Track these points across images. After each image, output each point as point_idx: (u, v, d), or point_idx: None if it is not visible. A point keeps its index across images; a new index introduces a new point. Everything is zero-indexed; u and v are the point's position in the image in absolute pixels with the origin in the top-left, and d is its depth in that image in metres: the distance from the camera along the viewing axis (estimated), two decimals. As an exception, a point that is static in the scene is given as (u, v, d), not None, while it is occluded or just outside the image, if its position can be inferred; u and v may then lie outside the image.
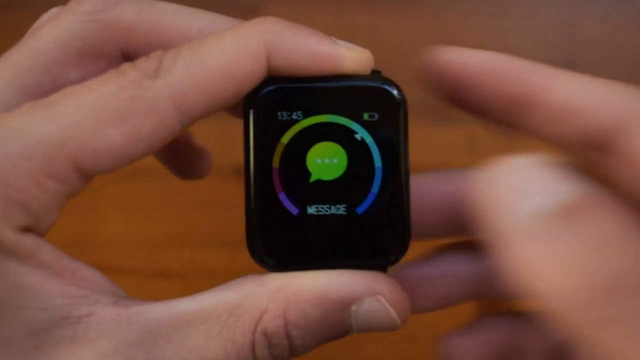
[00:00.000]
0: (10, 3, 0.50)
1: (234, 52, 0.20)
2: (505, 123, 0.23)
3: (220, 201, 0.48)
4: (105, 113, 0.19)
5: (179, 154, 0.29)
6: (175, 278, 0.49)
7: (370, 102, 0.21)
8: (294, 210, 0.22)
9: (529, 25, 0.49)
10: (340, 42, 0.21)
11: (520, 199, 0.16)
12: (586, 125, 0.20)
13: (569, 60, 0.48)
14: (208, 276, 0.49)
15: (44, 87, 0.22)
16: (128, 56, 0.23)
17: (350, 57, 0.21)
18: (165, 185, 0.49)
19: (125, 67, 0.20)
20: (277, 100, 0.21)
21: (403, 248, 0.21)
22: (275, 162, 0.22)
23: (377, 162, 0.21)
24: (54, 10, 0.24)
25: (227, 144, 0.47)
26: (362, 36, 0.48)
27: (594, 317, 0.15)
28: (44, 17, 0.24)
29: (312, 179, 0.22)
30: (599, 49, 0.49)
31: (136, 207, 0.49)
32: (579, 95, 0.21)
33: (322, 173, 0.22)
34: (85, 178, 0.20)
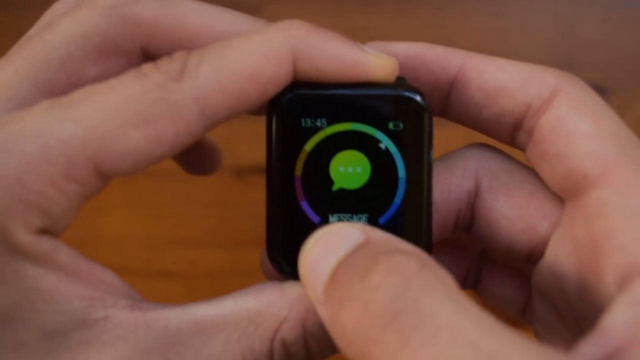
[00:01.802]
0: (10, 3, 0.50)
1: (260, 56, 0.20)
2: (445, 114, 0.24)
3: (221, 201, 0.48)
4: (128, 116, 0.19)
5: (190, 149, 0.29)
6: (176, 278, 0.49)
7: (395, 111, 0.21)
8: (316, 219, 0.21)
9: (529, 25, 0.49)
10: (366, 48, 0.21)
11: (317, 268, 0.18)
12: (514, 104, 0.22)
13: (569, 60, 0.48)
14: (209, 276, 0.49)
15: (60, 83, 0.21)
16: (148, 53, 0.22)
17: (377, 65, 0.21)
18: (166, 185, 0.49)
19: (148, 68, 0.20)
20: (301, 107, 0.21)
21: None
22: (298, 170, 0.21)
23: (401, 172, 0.21)
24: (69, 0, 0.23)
25: (228, 145, 0.47)
26: (361, 37, 0.48)
27: (364, 342, 0.16)
28: (58, 7, 0.23)
29: (335, 187, 0.21)
30: (599, 49, 0.49)
31: (137, 207, 0.49)
32: (506, 75, 0.22)
33: (345, 182, 0.21)
34: (104, 180, 0.19)
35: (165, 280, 0.48)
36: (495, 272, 0.26)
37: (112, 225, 0.49)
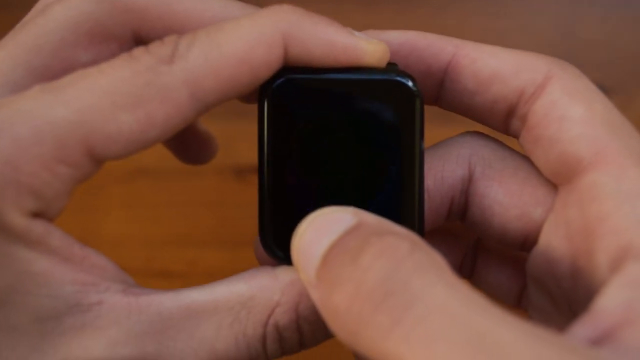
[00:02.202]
0: (10, 3, 0.50)
1: (251, 40, 0.20)
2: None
3: (221, 201, 0.48)
4: (119, 98, 0.19)
5: (184, 138, 0.29)
6: (175, 278, 0.49)
7: (387, 95, 0.21)
8: (308, 204, 0.21)
9: (529, 25, 0.49)
10: (357, 33, 0.21)
11: (309, 252, 0.18)
12: (507, 91, 0.22)
13: (569, 60, 0.48)
14: (208, 276, 0.49)
15: (53, 68, 0.21)
16: (139, 39, 0.22)
17: (367, 49, 0.21)
18: (166, 185, 0.49)
19: (139, 51, 0.20)
20: (292, 91, 0.21)
21: None
22: (290, 154, 0.21)
23: (393, 156, 0.21)
24: None
25: (228, 144, 0.47)
26: (362, 36, 0.48)
27: (354, 323, 0.16)
28: None
29: (327, 171, 0.21)
30: (599, 49, 0.49)
31: (137, 207, 0.49)
32: (499, 62, 0.22)
33: (337, 166, 0.21)
34: (96, 163, 0.19)
35: (164, 280, 0.48)
36: (491, 260, 0.26)
37: (111, 225, 0.49)
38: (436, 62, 0.23)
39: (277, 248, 0.22)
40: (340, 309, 0.17)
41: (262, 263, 0.23)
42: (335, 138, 0.21)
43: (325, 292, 0.18)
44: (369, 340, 0.16)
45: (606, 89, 0.46)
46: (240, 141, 0.47)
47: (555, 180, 0.22)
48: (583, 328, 0.17)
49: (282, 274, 0.21)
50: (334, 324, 0.17)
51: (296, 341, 0.21)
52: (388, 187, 0.21)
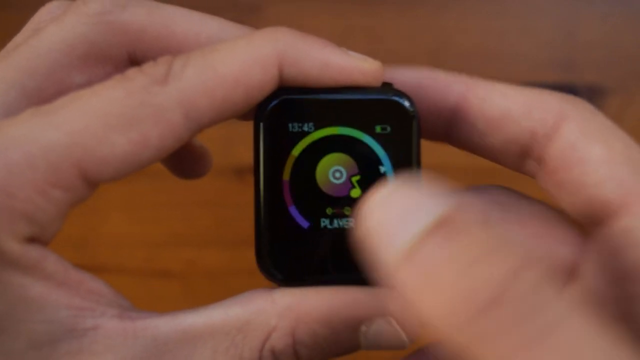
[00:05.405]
0: (10, 3, 0.50)
1: (246, 60, 0.20)
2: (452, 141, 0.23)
3: (221, 201, 0.48)
4: (111, 119, 0.19)
5: (178, 153, 0.29)
6: (174, 278, 0.49)
7: (383, 115, 0.21)
8: (305, 224, 0.21)
9: (529, 25, 0.49)
10: (352, 53, 0.21)
11: (395, 227, 0.16)
12: (519, 132, 0.21)
13: (569, 60, 0.48)
14: (208, 276, 0.49)
15: (47, 91, 0.21)
16: (135, 60, 0.22)
17: (362, 69, 0.21)
18: (165, 186, 0.49)
19: (133, 72, 0.19)
20: (288, 112, 0.21)
21: None
22: (286, 175, 0.21)
23: (390, 175, 0.21)
24: (55, 4, 0.23)
25: (228, 145, 0.47)
26: (362, 36, 0.48)
27: (474, 336, 0.15)
28: (44, 12, 0.23)
29: (323, 191, 0.21)
30: (599, 49, 0.49)
31: (136, 207, 0.49)
32: (509, 102, 0.21)
33: (334, 186, 0.21)
34: (90, 186, 0.19)
35: (164, 280, 0.48)
36: None
37: (111, 225, 0.49)
38: (443, 101, 0.22)
39: (275, 270, 0.21)
40: (460, 319, 0.15)
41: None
42: (331, 159, 0.21)
43: (428, 296, 0.15)
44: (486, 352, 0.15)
45: (606, 89, 0.46)
46: (240, 141, 0.47)
47: (586, 222, 0.21)
48: None
49: (280, 298, 0.21)
50: (437, 322, 0.16)
51: None
52: None
